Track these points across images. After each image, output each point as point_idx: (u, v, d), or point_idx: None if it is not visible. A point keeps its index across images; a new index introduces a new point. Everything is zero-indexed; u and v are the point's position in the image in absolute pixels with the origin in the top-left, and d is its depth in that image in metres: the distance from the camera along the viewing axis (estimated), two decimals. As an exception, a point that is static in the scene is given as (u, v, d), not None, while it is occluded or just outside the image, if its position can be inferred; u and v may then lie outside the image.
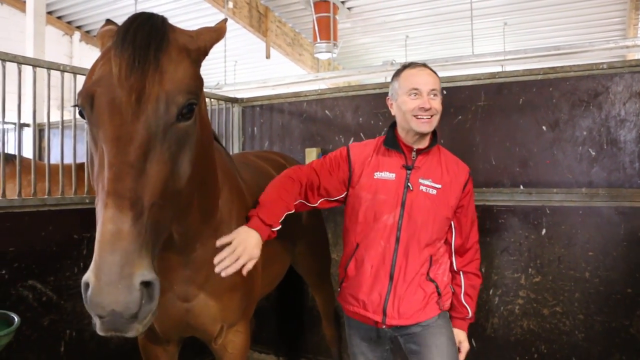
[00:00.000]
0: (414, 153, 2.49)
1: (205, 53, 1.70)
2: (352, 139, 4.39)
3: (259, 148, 4.94)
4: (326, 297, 3.81)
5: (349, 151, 2.61)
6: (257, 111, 5.04)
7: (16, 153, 3.43)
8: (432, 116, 2.41)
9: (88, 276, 1.27)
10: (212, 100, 4.93)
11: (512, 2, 11.06)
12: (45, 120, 3.60)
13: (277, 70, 14.26)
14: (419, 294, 2.45)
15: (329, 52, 11.45)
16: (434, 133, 2.53)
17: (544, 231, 3.58)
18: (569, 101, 3.58)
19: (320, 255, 3.71)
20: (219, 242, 2.06)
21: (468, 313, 2.59)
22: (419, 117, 2.40)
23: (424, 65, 2.53)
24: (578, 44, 8.58)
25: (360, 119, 4.39)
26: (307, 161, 4.47)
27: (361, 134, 4.36)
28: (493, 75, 3.90)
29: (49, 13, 12.26)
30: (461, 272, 2.59)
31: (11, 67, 3.26)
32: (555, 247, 3.54)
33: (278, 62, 13.65)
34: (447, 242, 2.59)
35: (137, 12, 1.64)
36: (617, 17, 11.52)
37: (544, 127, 3.66)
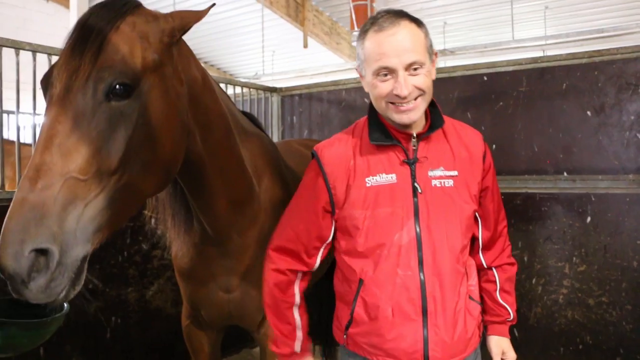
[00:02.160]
0: (414, 140, 1.83)
1: (172, 35, 1.65)
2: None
3: (298, 137, 4.95)
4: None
5: (319, 161, 1.91)
6: (296, 100, 5.05)
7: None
8: (416, 98, 1.74)
9: None
10: (251, 90, 4.98)
11: (554, -15, 10.81)
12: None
13: (314, 59, 14.24)
14: (468, 323, 1.88)
15: (367, 40, 11.38)
16: (431, 105, 1.87)
17: (588, 219, 3.49)
18: (616, 85, 3.48)
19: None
20: None
21: (509, 314, 2.02)
22: (397, 104, 1.74)
23: (397, 16, 1.75)
24: (623, 25, 8.32)
25: (399, 106, 4.35)
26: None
27: (400, 122, 4.32)
28: (535, 60, 3.82)
29: (91, 8, 12.51)
30: (493, 268, 2.03)
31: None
32: (601, 235, 3.45)
33: (315, 51, 13.63)
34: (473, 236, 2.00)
35: None
36: (664, -3, 11.12)
37: (588, 112, 3.56)
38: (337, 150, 1.91)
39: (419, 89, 1.72)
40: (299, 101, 5.03)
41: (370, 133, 1.87)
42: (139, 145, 1.51)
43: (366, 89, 1.86)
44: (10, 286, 1.31)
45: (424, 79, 1.72)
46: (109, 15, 1.52)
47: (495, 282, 2.02)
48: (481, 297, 2.04)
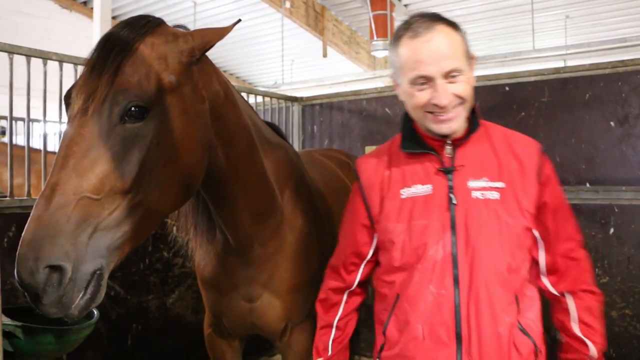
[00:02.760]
0: (448, 147, 1.72)
1: (191, 55, 1.65)
2: (411, 136, 4.36)
3: (319, 146, 4.97)
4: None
5: (357, 174, 1.90)
6: (317, 110, 5.08)
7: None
8: (455, 107, 1.63)
9: None
10: (272, 99, 5.02)
11: (575, -6, 10.75)
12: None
13: (333, 68, 14.29)
14: (512, 357, 1.63)
15: (386, 49, 11.40)
16: (471, 111, 1.74)
17: (612, 230, 3.46)
18: (640, 95, 3.46)
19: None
20: None
21: (587, 349, 1.69)
22: (436, 113, 1.64)
23: (432, 20, 1.65)
24: (646, 35, 8.24)
25: (420, 116, 4.36)
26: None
27: (421, 131, 4.33)
28: (557, 70, 3.80)
29: (114, 18, 12.69)
30: (566, 294, 1.73)
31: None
32: (625, 247, 3.42)
33: (335, 60, 13.68)
34: (533, 260, 1.74)
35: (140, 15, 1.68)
36: (687, 5, 10.99)
37: (612, 123, 3.54)
38: (374, 162, 1.87)
39: (459, 97, 1.62)
40: (320, 111, 5.05)
41: (402, 142, 1.80)
42: (153, 166, 1.53)
43: (401, 98, 1.76)
44: (29, 298, 1.36)
45: (464, 87, 1.62)
46: (128, 36, 1.55)
47: (567, 310, 1.73)
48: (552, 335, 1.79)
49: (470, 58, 1.68)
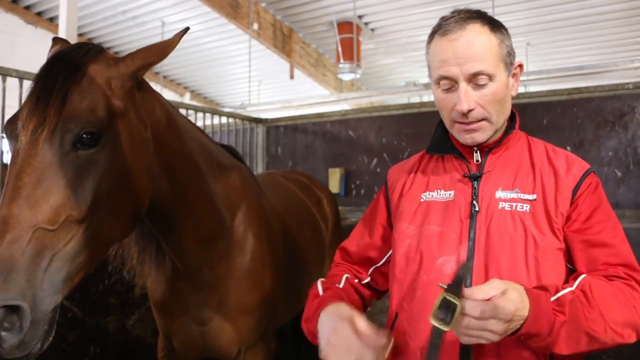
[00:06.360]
0: (476, 154, 1.59)
1: (134, 78, 1.63)
2: (375, 159, 4.40)
3: (283, 168, 4.98)
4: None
5: (386, 178, 1.82)
6: (281, 131, 5.09)
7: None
8: (480, 121, 1.50)
9: None
10: (236, 120, 5.02)
11: (535, 22, 11.05)
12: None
13: (300, 90, 14.36)
14: None
15: (352, 72, 11.52)
16: (511, 117, 1.64)
17: (569, 253, 3.53)
18: (594, 122, 3.56)
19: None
20: None
21: (552, 289, 1.35)
22: (460, 122, 1.52)
23: (467, 17, 1.50)
24: (602, 63, 8.52)
25: (384, 139, 4.41)
26: (331, 181, 4.49)
27: (384, 154, 4.37)
28: (517, 96, 3.88)
29: (80, 35, 12.56)
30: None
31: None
32: (581, 269, 3.48)
33: (302, 82, 13.75)
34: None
35: (80, 43, 1.67)
36: (642, 36, 11.43)
37: (568, 148, 3.63)
38: (401, 166, 1.81)
39: (483, 107, 1.48)
40: (284, 132, 5.07)
41: (430, 145, 1.71)
42: (107, 193, 1.50)
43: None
44: None
45: (491, 97, 1.47)
46: (71, 64, 1.53)
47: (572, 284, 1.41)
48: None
49: (509, 64, 1.55)
